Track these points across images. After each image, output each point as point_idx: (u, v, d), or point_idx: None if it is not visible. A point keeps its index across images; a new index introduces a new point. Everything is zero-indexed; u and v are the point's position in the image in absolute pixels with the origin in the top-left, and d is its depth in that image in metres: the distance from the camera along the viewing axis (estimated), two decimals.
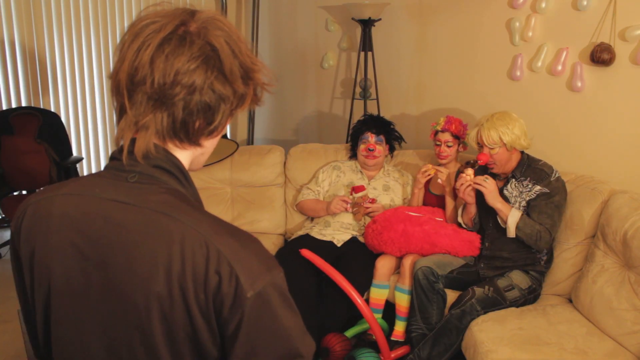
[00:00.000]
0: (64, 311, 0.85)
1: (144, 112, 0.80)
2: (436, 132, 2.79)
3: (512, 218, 2.34)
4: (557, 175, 2.38)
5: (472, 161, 2.71)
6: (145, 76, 0.78)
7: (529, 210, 2.37)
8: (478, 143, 2.45)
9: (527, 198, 2.38)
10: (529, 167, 2.43)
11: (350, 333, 2.55)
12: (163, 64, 0.78)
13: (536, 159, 2.47)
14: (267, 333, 0.79)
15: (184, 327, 0.79)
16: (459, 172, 2.80)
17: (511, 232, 2.35)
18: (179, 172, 0.85)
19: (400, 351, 2.47)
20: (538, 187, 2.36)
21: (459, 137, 2.77)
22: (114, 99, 0.84)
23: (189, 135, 0.83)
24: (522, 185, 2.41)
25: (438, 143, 2.77)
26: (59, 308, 0.85)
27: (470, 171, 2.41)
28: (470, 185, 2.40)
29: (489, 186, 2.36)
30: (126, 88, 0.80)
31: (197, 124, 0.83)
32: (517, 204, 2.40)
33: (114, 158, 0.85)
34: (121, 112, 0.83)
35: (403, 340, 2.53)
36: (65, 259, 0.83)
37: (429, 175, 2.69)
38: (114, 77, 0.82)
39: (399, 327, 2.54)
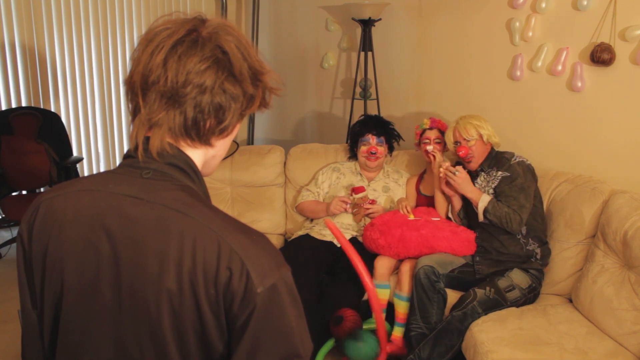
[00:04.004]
0: (74, 305, 0.86)
1: (157, 110, 0.83)
2: (423, 132, 2.84)
3: (481, 203, 2.48)
4: (517, 160, 2.52)
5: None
6: (159, 76, 0.81)
7: (497, 197, 2.48)
8: (455, 142, 2.60)
9: (493, 185, 2.50)
10: (495, 158, 2.57)
11: None
12: (176, 64, 0.81)
13: (502, 151, 2.61)
14: (272, 330, 0.80)
15: (192, 323, 0.80)
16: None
17: (481, 216, 2.47)
18: (191, 170, 0.87)
19: (395, 347, 2.46)
20: (500, 173, 2.50)
21: (444, 134, 2.80)
22: (129, 100, 0.87)
23: (199, 134, 0.86)
24: (490, 175, 2.54)
25: (426, 141, 2.80)
26: (69, 302, 0.86)
27: (447, 163, 2.58)
28: (444, 174, 2.55)
29: (457, 179, 2.49)
30: (140, 88, 0.83)
31: (208, 123, 0.85)
32: (487, 193, 2.51)
33: (128, 156, 0.88)
34: (135, 112, 0.86)
35: (400, 345, 2.51)
36: (79, 254, 0.84)
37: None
38: (129, 80, 0.85)
39: (397, 332, 2.53)
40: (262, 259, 0.80)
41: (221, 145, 0.91)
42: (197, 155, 0.88)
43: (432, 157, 2.75)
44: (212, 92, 0.82)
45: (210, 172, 0.95)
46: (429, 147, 2.78)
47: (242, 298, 0.78)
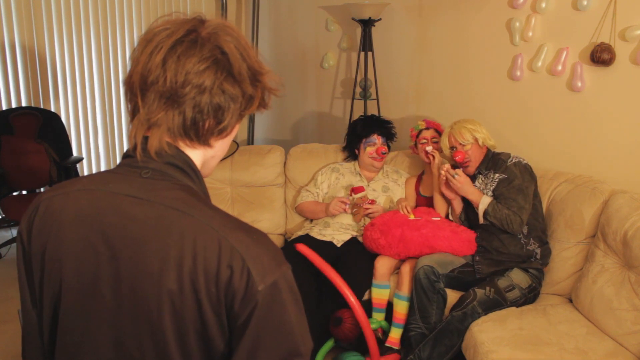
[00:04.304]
0: (73, 304, 0.86)
1: (156, 110, 0.83)
2: (419, 132, 2.86)
3: (482, 205, 2.48)
4: (514, 160, 2.51)
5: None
6: (158, 76, 0.81)
7: (496, 199, 2.47)
8: (451, 147, 2.60)
9: (491, 188, 2.50)
10: (491, 160, 2.57)
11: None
12: (175, 64, 0.81)
13: (498, 152, 2.60)
14: (273, 328, 0.80)
15: (193, 322, 0.80)
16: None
17: (481, 219, 2.48)
18: (190, 169, 0.87)
19: (390, 358, 2.45)
20: (497, 175, 2.50)
21: (440, 134, 2.81)
22: (128, 100, 0.87)
23: (198, 135, 0.86)
24: (487, 178, 2.54)
25: (424, 141, 2.82)
26: (68, 301, 0.86)
27: (447, 165, 2.56)
28: (445, 176, 2.54)
29: (457, 182, 2.48)
30: (139, 88, 0.83)
31: (207, 123, 0.85)
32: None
33: (127, 156, 0.88)
34: (134, 112, 0.86)
35: (397, 348, 2.50)
36: (78, 253, 0.84)
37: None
38: (128, 80, 0.85)
39: (395, 334, 2.52)
40: (262, 257, 0.80)
41: (220, 146, 0.91)
42: (196, 155, 0.88)
43: (431, 158, 2.76)
44: (211, 92, 0.83)
45: (209, 172, 0.95)
46: (428, 148, 2.78)
47: (243, 296, 0.78)
